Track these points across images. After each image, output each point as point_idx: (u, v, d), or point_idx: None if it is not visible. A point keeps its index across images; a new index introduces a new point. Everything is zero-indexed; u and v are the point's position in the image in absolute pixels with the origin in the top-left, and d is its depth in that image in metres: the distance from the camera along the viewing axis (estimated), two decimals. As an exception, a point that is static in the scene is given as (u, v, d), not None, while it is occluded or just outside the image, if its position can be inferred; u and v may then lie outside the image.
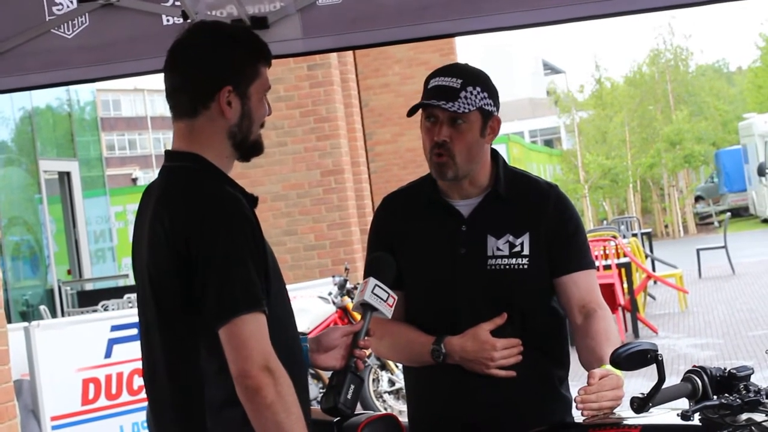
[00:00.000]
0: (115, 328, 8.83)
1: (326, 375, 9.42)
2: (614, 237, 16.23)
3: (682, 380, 3.03)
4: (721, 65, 60.94)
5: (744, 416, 2.95)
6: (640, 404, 2.93)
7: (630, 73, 41.22)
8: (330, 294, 10.57)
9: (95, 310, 13.46)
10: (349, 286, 10.46)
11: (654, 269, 19.78)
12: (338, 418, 3.33)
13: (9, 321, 7.89)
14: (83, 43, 4.59)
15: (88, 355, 9.08)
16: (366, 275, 3.29)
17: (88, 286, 17.67)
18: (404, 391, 4.01)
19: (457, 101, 3.43)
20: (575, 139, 40.38)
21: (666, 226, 38.37)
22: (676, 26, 39.72)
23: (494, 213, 3.53)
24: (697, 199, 42.71)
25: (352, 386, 3.15)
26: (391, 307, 3.25)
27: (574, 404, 3.23)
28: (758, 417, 2.95)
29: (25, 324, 8.94)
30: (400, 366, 3.86)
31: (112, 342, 9.12)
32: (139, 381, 9.31)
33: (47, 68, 4.68)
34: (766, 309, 15.40)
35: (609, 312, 3.53)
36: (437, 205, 3.58)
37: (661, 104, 39.19)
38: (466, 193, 3.56)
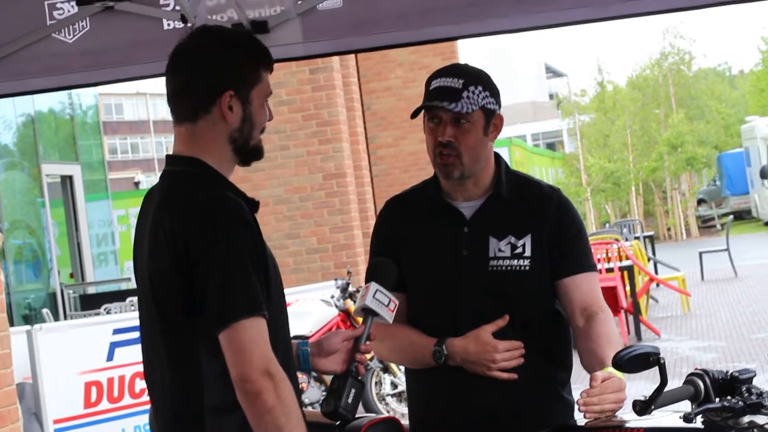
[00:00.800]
0: (117, 331, 8.84)
1: (329, 378, 9.40)
2: (617, 240, 16.23)
3: (684, 383, 3.03)
4: (723, 69, 60.95)
5: (746, 419, 2.95)
6: (642, 407, 2.93)
7: (633, 76, 41.22)
8: (332, 297, 10.58)
9: (98, 314, 13.47)
10: (351, 289, 10.46)
11: (656, 272, 19.77)
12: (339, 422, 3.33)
13: (11, 324, 7.89)
14: (84, 47, 4.59)
15: (90, 359, 9.09)
16: (367, 280, 3.29)
17: (91, 290, 17.68)
18: (406, 393, 4.00)
19: (460, 101, 3.44)
20: (577, 142, 40.37)
21: (668, 229, 38.35)
22: (680, 30, 39.56)
23: (496, 215, 3.54)
24: (700, 202, 42.68)
25: (353, 391, 3.14)
26: (393, 312, 3.25)
27: (576, 407, 3.22)
28: (760, 420, 2.95)
29: (28, 327, 8.95)
30: (403, 368, 3.85)
31: (114, 345, 9.13)
32: (141, 384, 9.31)
33: (48, 73, 4.67)
34: (769, 312, 15.40)
35: (610, 314, 3.53)
36: (439, 207, 3.59)
37: (663, 107, 39.17)
38: (470, 194, 3.56)
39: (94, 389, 9.19)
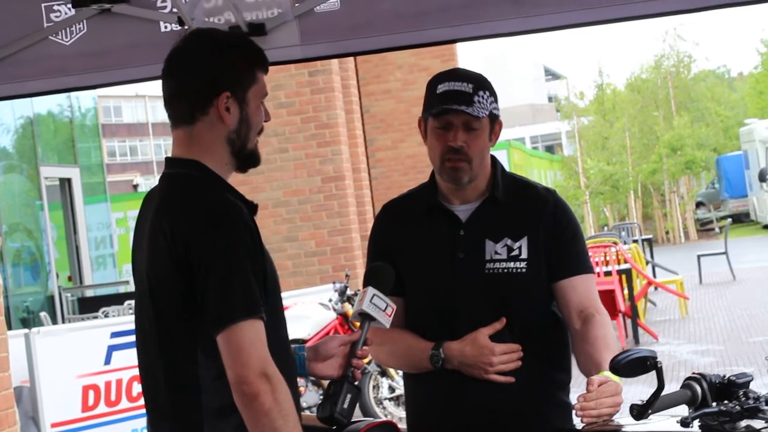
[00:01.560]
0: (115, 334, 8.83)
1: (326, 382, 9.39)
2: (615, 243, 16.23)
3: (681, 387, 3.02)
4: (722, 71, 60.98)
5: (743, 423, 2.95)
6: (639, 411, 2.93)
7: (631, 78, 41.24)
8: (330, 300, 10.57)
9: (96, 317, 13.46)
10: (349, 292, 10.45)
11: (654, 275, 19.77)
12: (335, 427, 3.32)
13: (9, 328, 7.90)
14: (81, 49, 4.58)
15: (88, 362, 9.08)
16: (365, 284, 3.29)
17: (89, 293, 17.66)
18: (404, 397, 4.00)
19: (473, 106, 3.46)
20: (576, 145, 40.37)
21: (667, 232, 38.35)
22: (679, 31, 39.60)
23: (492, 217, 3.54)
24: (698, 205, 42.70)
25: (349, 396, 3.14)
26: (390, 316, 3.24)
27: (573, 411, 3.22)
28: (757, 424, 2.94)
29: (26, 331, 8.94)
30: (401, 372, 3.85)
31: (112, 349, 9.11)
32: (138, 388, 9.25)
33: (45, 75, 4.67)
34: (767, 315, 15.39)
35: (607, 317, 3.53)
36: (436, 210, 3.59)
37: (662, 110, 39.18)
38: (467, 197, 3.57)
39: (91, 393, 9.18)
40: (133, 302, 11.49)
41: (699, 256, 21.40)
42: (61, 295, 16.80)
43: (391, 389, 10.14)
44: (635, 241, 21.14)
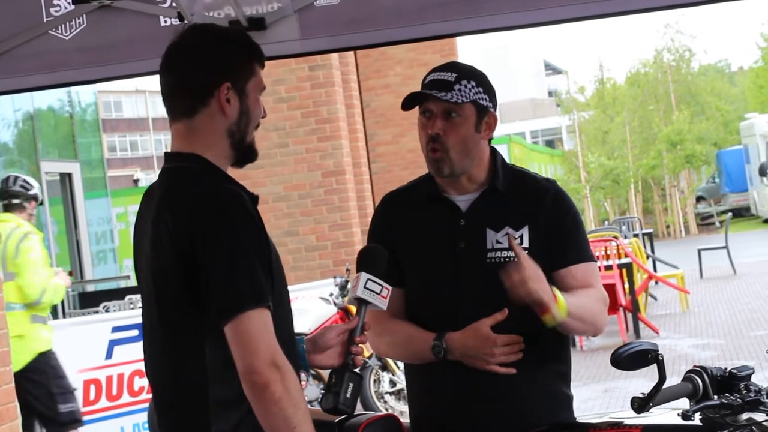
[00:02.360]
0: (116, 329, 8.84)
1: (327, 374, 9.39)
2: (615, 237, 16.22)
3: (682, 380, 3.03)
4: (723, 65, 60.94)
5: (744, 416, 2.95)
6: (640, 404, 2.93)
7: (631, 72, 41.22)
8: (331, 295, 10.57)
9: (96, 312, 13.45)
10: (350, 286, 10.44)
11: (655, 270, 19.77)
12: (339, 419, 3.32)
13: (9, 323, 7.88)
14: (81, 44, 4.59)
15: (89, 357, 9.09)
16: (358, 269, 3.28)
17: (90, 288, 17.66)
18: (405, 391, 4.00)
19: (451, 92, 3.45)
20: (576, 139, 40.37)
21: (667, 227, 38.35)
22: (680, 26, 39.67)
23: (493, 207, 3.54)
24: (699, 199, 42.69)
25: (351, 384, 3.14)
26: (386, 299, 3.23)
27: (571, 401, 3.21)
28: (759, 417, 2.95)
29: (26, 325, 8.93)
30: (402, 366, 3.85)
31: (113, 343, 9.12)
32: (140, 382, 9.31)
33: (45, 70, 4.68)
34: (768, 309, 15.41)
35: (601, 293, 3.53)
36: (435, 200, 3.59)
37: (663, 104, 39.16)
38: (464, 189, 3.57)
39: (92, 387, 9.19)
40: (134, 297, 11.51)
41: (699, 251, 21.39)
42: (62, 290, 16.76)
43: (392, 383, 10.14)
44: (636, 236, 21.14)
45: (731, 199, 40.45)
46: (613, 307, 14.05)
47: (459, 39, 18.09)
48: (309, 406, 3.03)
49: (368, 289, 3.21)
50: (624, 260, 14.97)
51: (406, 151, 17.16)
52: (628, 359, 2.95)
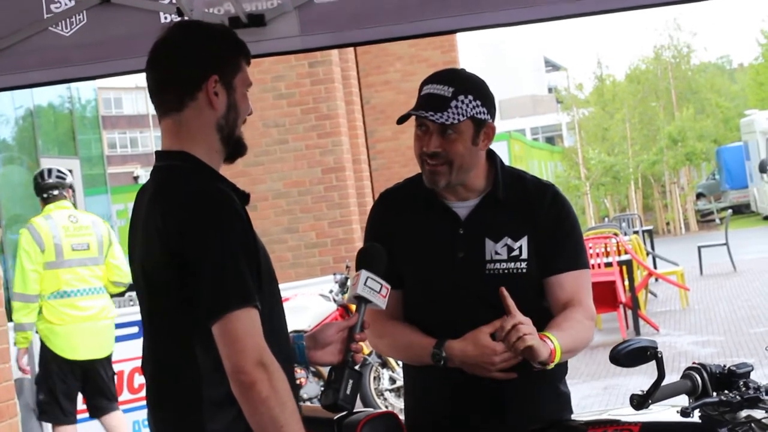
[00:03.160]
0: (115, 326, 8.81)
1: (326, 371, 9.40)
2: (615, 234, 16.22)
3: (681, 377, 3.03)
4: (724, 62, 60.93)
5: (744, 413, 2.95)
6: (639, 401, 2.93)
7: (631, 69, 41.22)
8: (331, 292, 10.57)
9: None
10: (350, 284, 10.43)
11: (655, 266, 19.77)
12: (338, 416, 3.33)
13: (10, 319, 7.89)
14: (81, 40, 4.58)
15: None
16: (358, 267, 3.28)
17: (90, 284, 17.63)
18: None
19: (447, 111, 3.38)
20: (576, 136, 40.36)
21: (667, 224, 38.35)
22: (680, 22, 39.73)
23: (492, 216, 3.50)
24: (699, 196, 42.68)
25: (351, 381, 3.14)
26: (385, 297, 3.23)
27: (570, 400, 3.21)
28: (758, 414, 2.95)
29: (26, 322, 8.92)
30: (401, 363, 3.84)
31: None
32: (140, 379, 9.31)
33: (45, 66, 4.68)
34: (768, 306, 15.41)
35: (590, 312, 3.49)
36: (434, 206, 3.55)
37: (663, 101, 39.16)
38: (463, 196, 3.54)
39: (92, 384, 9.16)
40: (133, 294, 11.52)
41: (699, 247, 21.39)
42: (62, 286, 16.77)
43: (392, 380, 10.15)
44: (636, 232, 21.14)
45: (731, 196, 40.44)
46: (613, 304, 14.06)
47: (459, 35, 18.07)
48: (309, 403, 3.03)
49: (368, 287, 3.21)
50: (624, 257, 14.96)
51: (406, 148, 17.13)
52: (627, 356, 2.95)
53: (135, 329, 9.18)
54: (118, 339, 8.77)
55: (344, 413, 3.28)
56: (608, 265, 14.54)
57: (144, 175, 56.95)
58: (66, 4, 4.57)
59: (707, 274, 20.87)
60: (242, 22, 4.39)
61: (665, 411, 3.11)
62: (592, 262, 14.06)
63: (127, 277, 8.50)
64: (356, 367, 3.18)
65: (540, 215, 3.50)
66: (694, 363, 3.04)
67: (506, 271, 3.45)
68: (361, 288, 3.21)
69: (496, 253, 3.47)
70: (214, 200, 2.91)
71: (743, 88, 50.81)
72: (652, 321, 14.83)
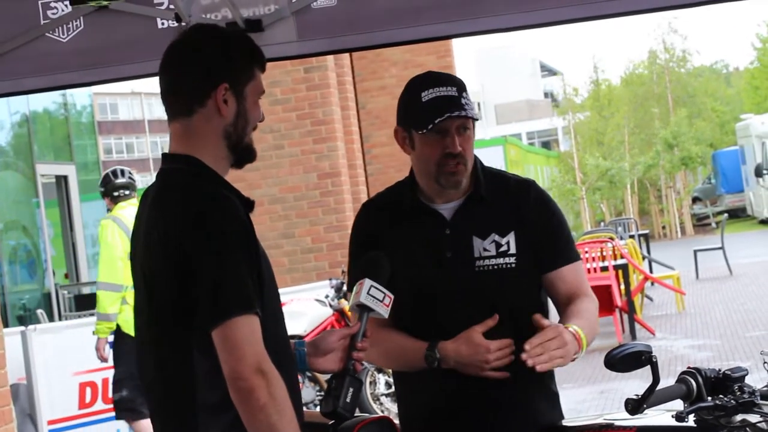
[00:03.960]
0: (112, 332, 8.82)
1: (323, 378, 9.41)
2: (611, 238, 16.22)
3: (676, 381, 3.03)
4: (720, 67, 60.98)
5: (738, 417, 2.95)
6: (634, 406, 2.93)
7: (625, 74, 41.26)
8: (327, 297, 10.57)
9: (92, 314, 13.43)
10: (345, 289, 10.44)
11: (651, 271, 19.78)
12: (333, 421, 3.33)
13: (6, 325, 7.91)
14: (78, 46, 4.58)
15: (85, 359, 9.08)
16: (360, 276, 3.28)
17: (86, 290, 17.64)
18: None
19: (465, 108, 3.45)
20: (572, 140, 40.39)
21: (663, 228, 38.37)
22: (674, 25, 39.78)
23: (477, 214, 3.54)
24: (695, 200, 42.71)
25: (351, 389, 3.14)
26: (388, 306, 3.24)
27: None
28: (753, 418, 2.95)
29: (22, 328, 8.96)
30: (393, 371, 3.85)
31: (109, 345, 9.12)
32: (135, 384, 9.30)
33: (42, 72, 4.67)
34: (764, 310, 15.41)
35: (594, 300, 3.56)
36: (419, 210, 3.58)
37: (659, 106, 39.17)
38: (450, 197, 3.56)
39: (88, 390, 9.19)
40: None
41: (695, 251, 21.40)
42: (58, 292, 16.78)
43: (388, 385, 10.14)
44: (632, 237, 21.15)
45: (727, 200, 40.48)
46: (609, 308, 14.06)
47: (454, 41, 18.09)
48: (305, 409, 3.04)
49: (371, 295, 3.22)
50: (620, 261, 14.97)
51: (401, 153, 16.88)
52: (621, 361, 2.95)
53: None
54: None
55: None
56: (604, 269, 14.54)
57: (140, 180, 56.90)
58: (63, 11, 4.58)
59: (703, 278, 20.88)
60: (239, 28, 4.40)
61: (660, 415, 3.11)
62: (588, 266, 14.08)
63: None
64: (356, 376, 3.19)
65: (525, 211, 3.54)
66: (689, 367, 3.05)
67: (495, 267, 3.49)
68: (364, 296, 3.21)
69: (485, 249, 3.50)
70: (216, 206, 2.90)
71: (739, 93, 50.85)
72: (648, 325, 14.84)
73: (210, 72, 3.01)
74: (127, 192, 8.81)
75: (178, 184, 2.99)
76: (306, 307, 10.45)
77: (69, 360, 9.07)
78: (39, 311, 14.87)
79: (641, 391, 2.93)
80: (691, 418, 2.98)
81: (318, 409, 3.24)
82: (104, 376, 9.17)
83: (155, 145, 67.00)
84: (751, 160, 36.08)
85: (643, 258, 19.71)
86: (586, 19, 4.41)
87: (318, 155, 13.05)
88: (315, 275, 12.67)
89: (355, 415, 3.29)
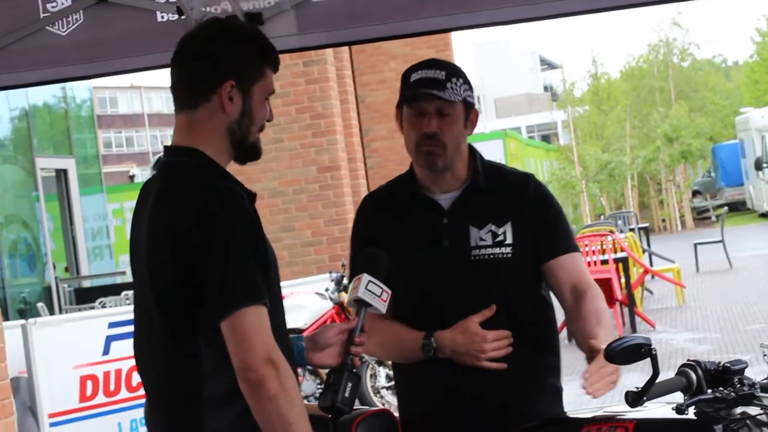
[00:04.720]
0: (112, 325, 8.84)
1: (324, 372, 9.42)
2: (611, 232, 16.23)
3: (676, 374, 3.03)
4: (719, 60, 60.93)
5: (738, 410, 2.96)
6: (634, 398, 2.93)
7: (625, 68, 41.24)
8: (327, 290, 10.58)
9: (93, 308, 13.45)
10: (345, 282, 10.45)
11: (651, 264, 19.79)
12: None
13: (6, 318, 7.91)
14: (78, 40, 4.58)
15: (85, 353, 9.08)
16: (359, 271, 3.29)
17: (86, 284, 17.66)
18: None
19: (446, 90, 3.48)
20: (571, 134, 40.36)
21: (663, 221, 38.35)
22: (676, 19, 39.71)
23: (475, 204, 3.56)
24: (695, 193, 42.68)
25: (350, 384, 3.14)
26: (385, 302, 3.25)
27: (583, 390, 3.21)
28: (753, 410, 2.95)
29: (23, 321, 8.94)
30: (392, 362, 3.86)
31: (110, 339, 9.12)
32: (137, 378, 9.27)
33: (42, 66, 4.67)
34: (764, 303, 15.41)
35: (599, 291, 3.55)
36: (417, 200, 3.61)
37: (658, 99, 39.14)
38: (447, 186, 3.59)
39: (89, 383, 9.18)
40: (130, 293, 11.52)
41: (696, 245, 21.40)
42: (58, 286, 16.79)
43: (389, 378, 10.15)
44: (632, 230, 21.16)
45: (727, 194, 40.47)
46: (610, 301, 14.06)
47: (454, 34, 18.08)
48: (305, 402, 3.04)
49: (369, 290, 3.22)
50: (620, 254, 14.98)
51: (401, 146, 16.89)
52: (621, 353, 2.95)
53: (132, 328, 9.14)
54: (116, 337, 8.77)
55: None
56: (604, 262, 14.55)
57: (140, 174, 56.94)
58: (63, 4, 4.57)
59: (703, 271, 20.88)
60: (254, 26, 4.40)
61: (660, 408, 3.11)
62: (588, 259, 14.08)
63: None
64: (355, 370, 3.19)
65: (524, 202, 3.56)
66: (688, 360, 3.05)
67: (491, 256, 3.50)
68: (362, 291, 3.22)
69: (481, 239, 3.51)
70: (221, 197, 2.90)
71: (738, 86, 50.81)
72: (648, 318, 14.84)
73: (217, 67, 3.01)
74: None
75: (182, 176, 2.99)
76: (306, 301, 10.46)
77: (69, 353, 9.05)
78: (39, 305, 14.88)
79: (641, 384, 2.93)
80: (691, 410, 2.98)
81: (317, 402, 3.24)
82: (105, 370, 9.17)
83: (155, 138, 67.00)
84: (750, 153, 36.08)
85: (644, 251, 19.71)
86: (586, 12, 4.41)
87: (317, 149, 13.06)
88: (315, 268, 12.68)
89: (355, 408, 3.30)
